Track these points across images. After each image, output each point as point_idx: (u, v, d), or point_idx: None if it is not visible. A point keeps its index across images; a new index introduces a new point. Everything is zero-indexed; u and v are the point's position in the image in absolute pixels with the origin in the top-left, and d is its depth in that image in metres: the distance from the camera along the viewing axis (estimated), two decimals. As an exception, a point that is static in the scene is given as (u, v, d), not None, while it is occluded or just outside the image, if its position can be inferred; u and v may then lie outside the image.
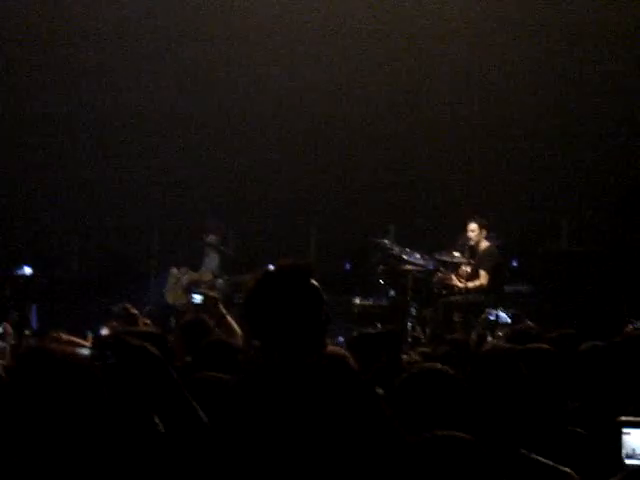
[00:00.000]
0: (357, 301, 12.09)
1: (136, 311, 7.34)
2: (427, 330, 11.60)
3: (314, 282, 3.25)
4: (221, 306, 6.96)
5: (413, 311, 11.73)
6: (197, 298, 7.25)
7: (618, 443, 3.10)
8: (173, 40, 14.37)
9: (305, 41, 14.26)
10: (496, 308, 11.16)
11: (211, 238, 12.24)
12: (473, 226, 11.71)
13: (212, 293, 8.35)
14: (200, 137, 14.43)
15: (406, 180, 14.02)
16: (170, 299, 12.00)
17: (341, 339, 9.57)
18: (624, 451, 3.10)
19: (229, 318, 6.79)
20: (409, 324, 11.61)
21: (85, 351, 3.79)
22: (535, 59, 13.72)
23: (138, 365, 2.98)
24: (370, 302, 12.08)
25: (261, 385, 3.22)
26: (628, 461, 3.10)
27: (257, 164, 14.33)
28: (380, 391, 3.50)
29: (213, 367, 4.40)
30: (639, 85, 13.22)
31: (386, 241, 12.27)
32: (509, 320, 10.87)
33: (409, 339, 11.27)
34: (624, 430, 3.10)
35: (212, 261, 12.24)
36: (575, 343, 5.18)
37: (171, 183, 14.32)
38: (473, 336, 9.55)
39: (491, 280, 11.62)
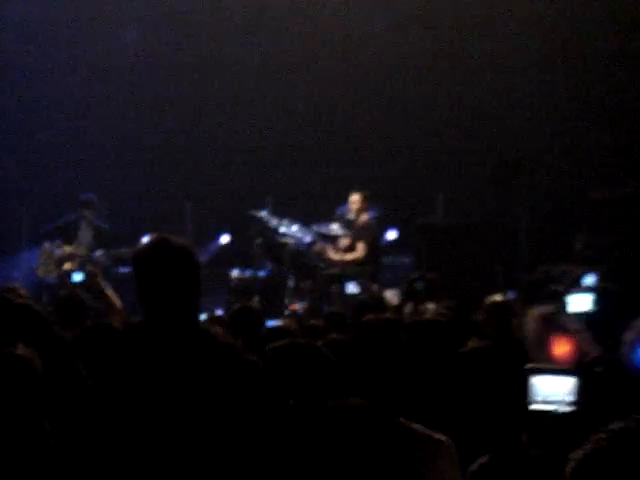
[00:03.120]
0: (235, 274, 12.03)
1: (24, 291, 7.13)
2: (305, 303, 11.61)
3: (194, 259, 3.48)
4: (100, 280, 6.86)
5: (291, 283, 11.72)
6: (76, 276, 7.13)
7: (525, 390, 3.14)
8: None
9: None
10: (372, 280, 11.26)
11: (86, 211, 12.01)
12: (355, 197, 11.70)
13: (91, 267, 8.22)
14: (77, 109, 14.20)
15: (285, 151, 14.00)
16: (41, 272, 11.73)
17: (220, 311, 9.52)
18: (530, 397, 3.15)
19: (109, 291, 6.71)
20: (287, 297, 11.60)
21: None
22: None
23: (21, 322, 2.93)
24: (248, 275, 12.04)
25: (139, 348, 3.31)
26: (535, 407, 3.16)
27: (133, 136, 14.14)
28: (254, 357, 3.50)
29: (93, 349, 4.31)
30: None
31: (264, 213, 12.21)
32: (357, 291, 11.04)
33: (286, 311, 11.27)
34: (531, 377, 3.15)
35: (86, 235, 12.01)
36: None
37: (44, 154, 14.03)
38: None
39: (368, 252, 11.67)
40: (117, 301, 6.58)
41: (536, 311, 4.59)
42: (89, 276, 6.92)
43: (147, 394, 3.18)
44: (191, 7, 14.23)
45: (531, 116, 13.45)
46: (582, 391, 3.06)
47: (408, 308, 6.57)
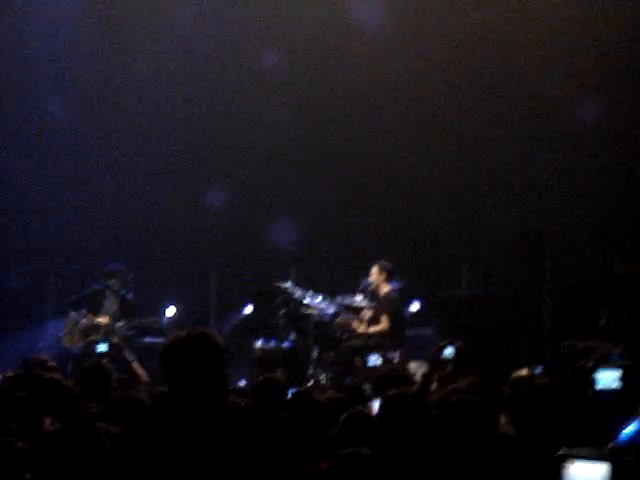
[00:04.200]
0: (259, 345, 12.04)
1: (53, 364, 7.16)
2: (328, 374, 11.59)
3: (218, 344, 3.86)
4: (126, 352, 6.86)
5: (314, 355, 11.72)
6: (101, 347, 7.12)
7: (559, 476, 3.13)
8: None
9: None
10: (394, 351, 11.22)
11: (112, 282, 12.08)
12: (374, 269, 11.79)
13: (116, 340, 8.23)
14: (99, 181, 14.35)
15: (307, 223, 14.07)
16: (67, 343, 11.77)
17: (243, 382, 9.51)
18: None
19: (135, 364, 6.71)
20: (310, 368, 11.60)
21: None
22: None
23: (49, 398, 2.95)
24: (272, 346, 12.04)
25: (170, 431, 3.37)
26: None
27: (155, 212, 14.27)
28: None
29: (118, 421, 4.34)
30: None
31: (287, 284, 12.25)
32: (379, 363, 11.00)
33: (310, 383, 11.25)
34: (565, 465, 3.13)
35: (112, 305, 12.07)
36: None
37: (69, 228, 14.17)
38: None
39: (392, 324, 11.67)
40: (142, 372, 6.59)
41: None
42: (114, 348, 6.93)
43: (176, 467, 3.21)
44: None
45: (556, 187, 13.50)
46: (616, 477, 3.04)
47: (434, 381, 6.51)
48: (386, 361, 11.01)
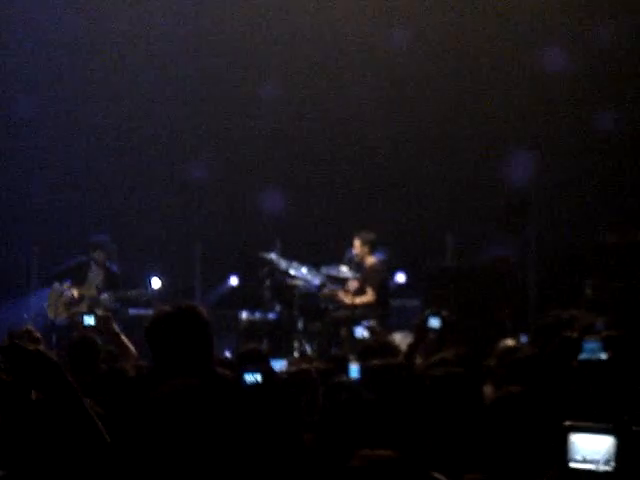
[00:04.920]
0: (244, 316, 12.05)
1: (39, 335, 7.11)
2: (314, 345, 11.61)
3: (204, 318, 3.91)
4: (114, 325, 6.80)
5: (300, 326, 11.73)
6: (88, 319, 7.06)
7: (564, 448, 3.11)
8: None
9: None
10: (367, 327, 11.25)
11: (97, 253, 12.04)
12: (355, 242, 11.80)
13: (103, 312, 8.18)
14: (89, 147, 14.27)
15: (293, 193, 14.04)
16: (51, 314, 11.75)
17: (228, 354, 9.51)
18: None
19: (123, 337, 6.65)
20: (296, 339, 11.61)
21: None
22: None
23: (34, 369, 2.93)
24: (257, 317, 12.05)
25: (159, 405, 3.36)
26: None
27: (139, 180, 14.21)
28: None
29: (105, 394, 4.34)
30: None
31: (273, 255, 12.24)
32: (365, 334, 11.02)
33: (295, 354, 11.26)
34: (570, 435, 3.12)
35: (96, 277, 12.04)
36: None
37: (55, 197, 14.09)
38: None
39: (377, 295, 11.68)
40: (130, 345, 6.54)
41: None
42: (102, 320, 6.87)
43: (163, 440, 3.20)
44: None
45: (541, 157, 13.49)
46: (621, 450, 3.03)
47: (420, 353, 6.50)
48: (372, 332, 11.03)
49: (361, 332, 10.98)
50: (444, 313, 6.48)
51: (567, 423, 3.11)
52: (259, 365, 5.85)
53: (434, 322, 6.41)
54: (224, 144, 14.27)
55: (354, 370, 6.18)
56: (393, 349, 6.93)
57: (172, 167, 14.36)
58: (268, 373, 3.87)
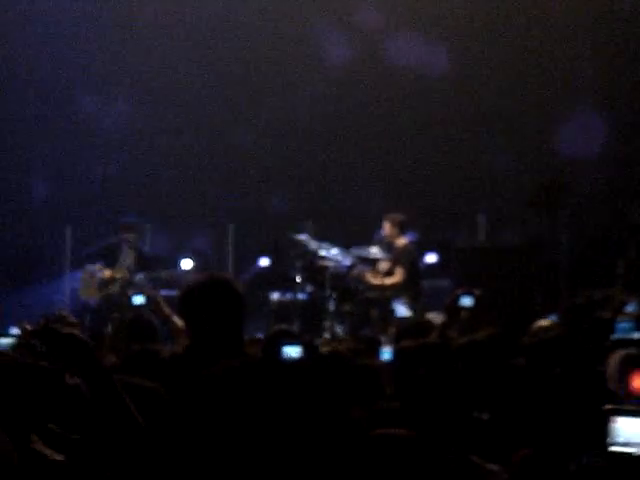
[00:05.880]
0: (275, 297, 12.06)
1: (74, 319, 7.11)
2: (345, 326, 11.61)
3: (238, 290, 3.92)
4: (165, 306, 6.76)
5: (331, 307, 11.73)
6: (138, 299, 7.03)
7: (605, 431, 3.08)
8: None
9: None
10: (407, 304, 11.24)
11: (128, 235, 12.08)
12: (386, 224, 11.77)
13: (154, 293, 8.15)
14: (120, 137, 14.31)
15: (323, 175, 14.03)
16: (83, 295, 11.83)
17: (260, 334, 9.52)
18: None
19: (174, 317, 6.59)
20: (327, 320, 11.61)
21: (9, 340, 3.77)
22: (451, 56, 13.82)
23: (68, 352, 2.95)
24: (288, 298, 12.05)
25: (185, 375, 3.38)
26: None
27: (172, 161, 14.24)
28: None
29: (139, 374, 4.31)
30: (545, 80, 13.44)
31: (303, 237, 12.23)
32: (408, 313, 11.01)
33: (326, 335, 11.27)
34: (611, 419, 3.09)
35: (128, 258, 12.09)
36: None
37: (87, 180, 14.17)
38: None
39: (407, 276, 11.66)
40: (181, 324, 6.47)
41: (619, 354, 4.54)
42: (152, 300, 6.83)
43: (190, 427, 3.19)
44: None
45: (575, 138, 13.38)
46: None
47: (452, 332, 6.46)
48: (413, 311, 11.02)
49: (402, 311, 10.97)
50: (476, 292, 6.42)
51: (608, 406, 3.07)
52: (297, 339, 5.85)
53: (466, 301, 6.35)
54: (258, 125, 14.29)
55: (386, 353, 6.17)
56: (431, 328, 6.86)
57: (205, 149, 14.38)
58: (309, 346, 3.89)
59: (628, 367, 4.23)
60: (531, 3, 13.76)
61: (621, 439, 3.05)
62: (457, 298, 6.36)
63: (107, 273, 11.84)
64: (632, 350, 4.53)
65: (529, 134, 13.50)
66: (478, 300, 6.28)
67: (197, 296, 3.86)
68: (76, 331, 3.11)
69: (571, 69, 13.43)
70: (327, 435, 3.27)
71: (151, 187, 14.15)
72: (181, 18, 14.29)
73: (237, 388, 3.12)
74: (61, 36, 14.16)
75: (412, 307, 11.08)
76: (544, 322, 6.70)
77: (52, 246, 14.00)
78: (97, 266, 11.89)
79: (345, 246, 12.05)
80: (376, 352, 6.40)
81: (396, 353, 5.56)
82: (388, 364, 5.41)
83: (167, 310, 6.60)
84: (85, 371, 3.00)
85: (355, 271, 11.88)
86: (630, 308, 6.09)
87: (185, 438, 3.07)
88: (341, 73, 14.09)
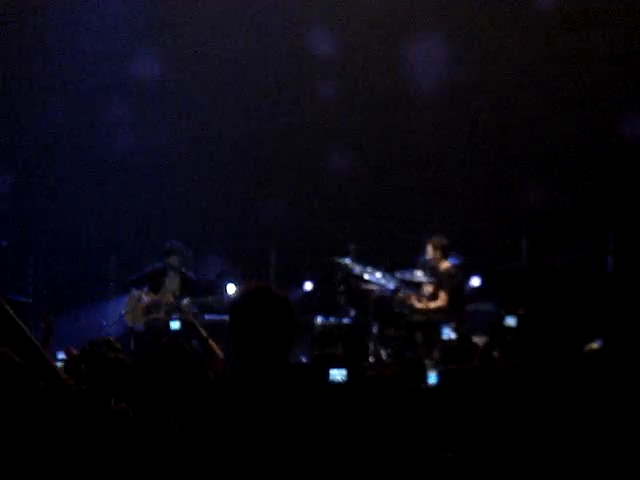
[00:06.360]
0: (319, 321, 12.07)
1: (119, 345, 7.15)
2: (389, 350, 11.59)
3: (293, 310, 3.54)
4: (202, 329, 6.79)
5: (375, 331, 11.72)
6: (174, 324, 7.08)
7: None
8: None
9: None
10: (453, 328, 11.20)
11: (172, 260, 12.15)
12: (428, 247, 11.78)
13: (190, 318, 8.19)
14: (160, 162, 14.42)
15: (367, 198, 14.04)
16: (130, 321, 11.90)
17: (303, 359, 9.55)
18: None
19: (210, 341, 6.62)
20: (371, 344, 11.60)
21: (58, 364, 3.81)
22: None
23: (113, 376, 2.98)
24: (332, 322, 12.06)
25: (233, 401, 3.32)
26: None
27: (213, 186, 14.32)
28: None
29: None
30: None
31: (347, 260, 12.25)
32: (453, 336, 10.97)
33: (371, 359, 11.27)
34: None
35: (173, 283, 12.16)
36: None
37: (131, 207, 14.29)
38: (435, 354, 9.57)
39: (451, 300, 11.64)
40: (218, 350, 6.49)
41: None
42: (188, 325, 6.88)
43: (236, 450, 3.19)
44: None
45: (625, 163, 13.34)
46: None
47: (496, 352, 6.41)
48: (459, 334, 10.98)
49: (448, 334, 10.93)
50: (520, 312, 6.37)
51: None
52: (343, 363, 5.85)
53: (510, 321, 6.29)
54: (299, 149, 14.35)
55: (432, 377, 6.16)
56: (475, 351, 6.83)
57: (248, 175, 14.45)
58: (355, 369, 3.83)
59: None
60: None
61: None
62: (501, 318, 6.31)
63: (153, 298, 11.91)
64: None
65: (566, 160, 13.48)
66: (522, 320, 6.22)
67: (246, 307, 3.47)
68: (121, 355, 3.15)
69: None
70: (371, 456, 3.28)
71: (196, 211, 14.23)
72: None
73: (289, 412, 3.13)
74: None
75: (457, 330, 11.04)
76: (594, 345, 6.63)
77: (97, 272, 14.11)
78: (143, 291, 11.97)
79: (389, 270, 12.05)
80: (422, 376, 6.39)
81: (441, 375, 5.57)
82: (434, 388, 5.41)
83: (204, 333, 6.62)
84: (130, 395, 3.02)
85: (400, 295, 11.88)
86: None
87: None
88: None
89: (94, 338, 7.25)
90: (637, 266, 12.62)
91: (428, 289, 11.78)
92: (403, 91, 13.97)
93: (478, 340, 9.91)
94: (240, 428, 3.22)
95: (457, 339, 10.71)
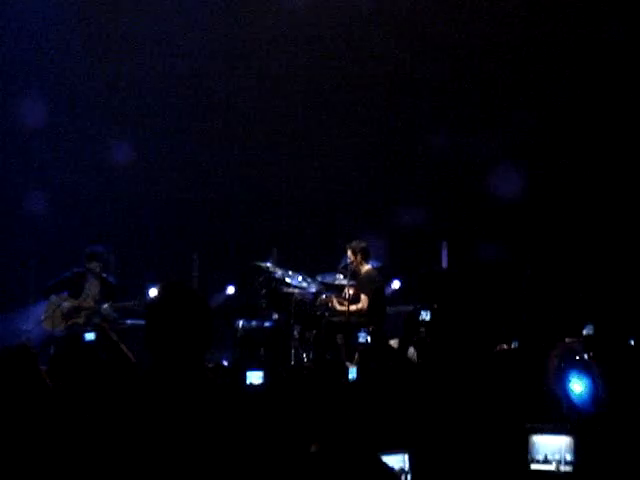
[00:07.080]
0: (241, 324, 12.10)
1: (35, 351, 7.13)
2: (310, 352, 11.67)
3: (208, 308, 3.58)
4: (112, 334, 6.80)
5: (296, 333, 11.79)
6: (89, 336, 7.07)
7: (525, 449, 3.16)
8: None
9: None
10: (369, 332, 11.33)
11: (94, 265, 12.08)
12: (348, 252, 11.89)
13: (99, 322, 8.17)
14: (86, 163, 14.34)
15: (288, 203, 14.11)
16: (48, 325, 11.80)
17: (225, 362, 9.58)
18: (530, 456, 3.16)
19: (121, 345, 6.62)
20: (292, 346, 11.67)
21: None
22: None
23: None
24: (254, 325, 12.10)
25: (148, 395, 3.33)
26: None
27: (138, 190, 14.27)
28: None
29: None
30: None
31: (269, 264, 12.30)
32: (368, 339, 11.11)
33: (292, 361, 11.33)
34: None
35: (93, 288, 12.09)
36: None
37: (51, 211, 14.17)
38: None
39: (371, 303, 11.75)
40: (129, 354, 6.51)
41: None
42: (100, 330, 6.88)
43: (147, 449, 3.21)
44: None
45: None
46: (580, 450, 3.08)
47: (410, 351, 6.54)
48: (374, 337, 11.10)
49: (364, 337, 11.06)
50: (434, 306, 6.51)
51: (527, 425, 3.16)
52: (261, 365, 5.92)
53: (424, 315, 6.43)
54: (225, 157, 14.36)
55: (352, 371, 6.28)
56: (391, 352, 6.97)
57: (170, 180, 14.42)
58: (273, 371, 3.87)
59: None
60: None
61: (540, 456, 3.12)
62: (416, 312, 6.44)
63: (72, 303, 11.83)
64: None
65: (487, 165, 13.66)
66: (436, 314, 6.36)
67: (163, 306, 3.47)
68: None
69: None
70: (287, 460, 3.34)
71: (116, 217, 14.16)
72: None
73: (201, 413, 3.17)
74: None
75: (373, 334, 11.17)
76: (503, 346, 6.80)
77: (16, 277, 13.96)
78: (62, 296, 11.87)
79: (310, 273, 12.14)
80: (343, 375, 6.50)
81: (360, 375, 5.68)
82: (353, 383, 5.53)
83: (114, 338, 6.63)
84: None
85: (321, 297, 11.97)
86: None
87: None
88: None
89: (11, 344, 7.23)
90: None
91: (350, 291, 11.88)
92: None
93: (394, 343, 10.08)
94: (152, 427, 3.25)
95: (373, 342, 10.84)
